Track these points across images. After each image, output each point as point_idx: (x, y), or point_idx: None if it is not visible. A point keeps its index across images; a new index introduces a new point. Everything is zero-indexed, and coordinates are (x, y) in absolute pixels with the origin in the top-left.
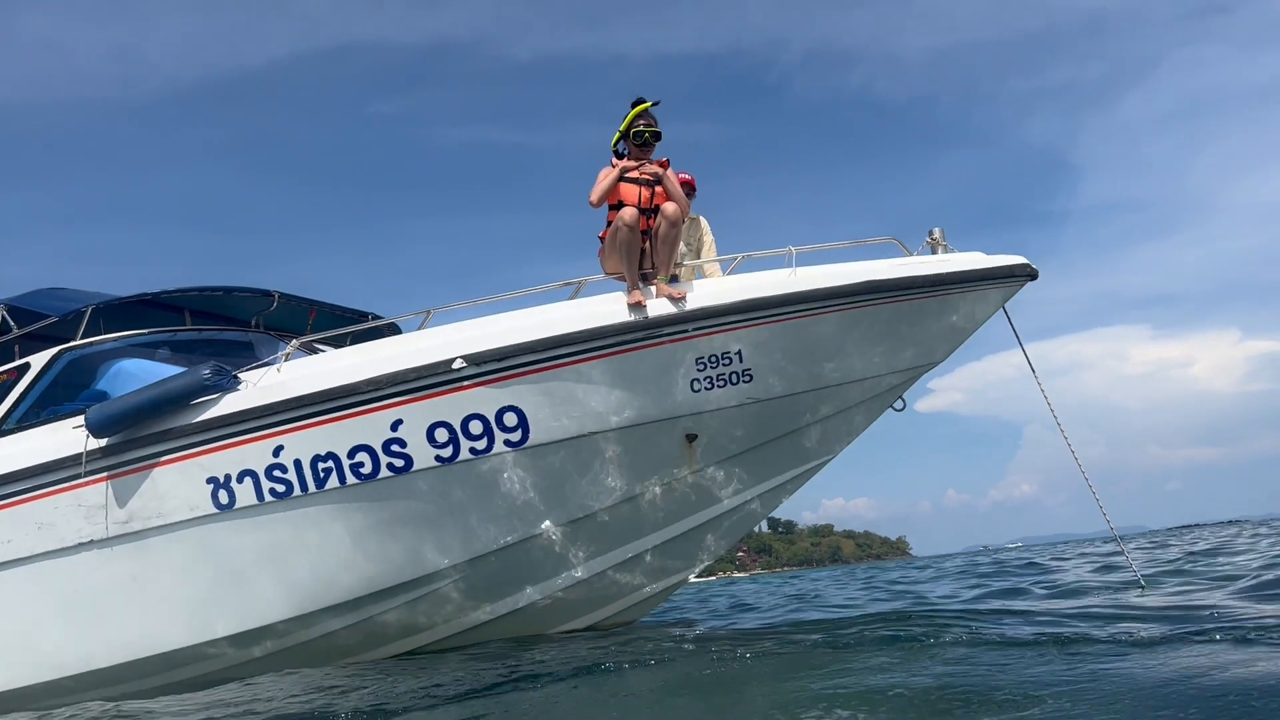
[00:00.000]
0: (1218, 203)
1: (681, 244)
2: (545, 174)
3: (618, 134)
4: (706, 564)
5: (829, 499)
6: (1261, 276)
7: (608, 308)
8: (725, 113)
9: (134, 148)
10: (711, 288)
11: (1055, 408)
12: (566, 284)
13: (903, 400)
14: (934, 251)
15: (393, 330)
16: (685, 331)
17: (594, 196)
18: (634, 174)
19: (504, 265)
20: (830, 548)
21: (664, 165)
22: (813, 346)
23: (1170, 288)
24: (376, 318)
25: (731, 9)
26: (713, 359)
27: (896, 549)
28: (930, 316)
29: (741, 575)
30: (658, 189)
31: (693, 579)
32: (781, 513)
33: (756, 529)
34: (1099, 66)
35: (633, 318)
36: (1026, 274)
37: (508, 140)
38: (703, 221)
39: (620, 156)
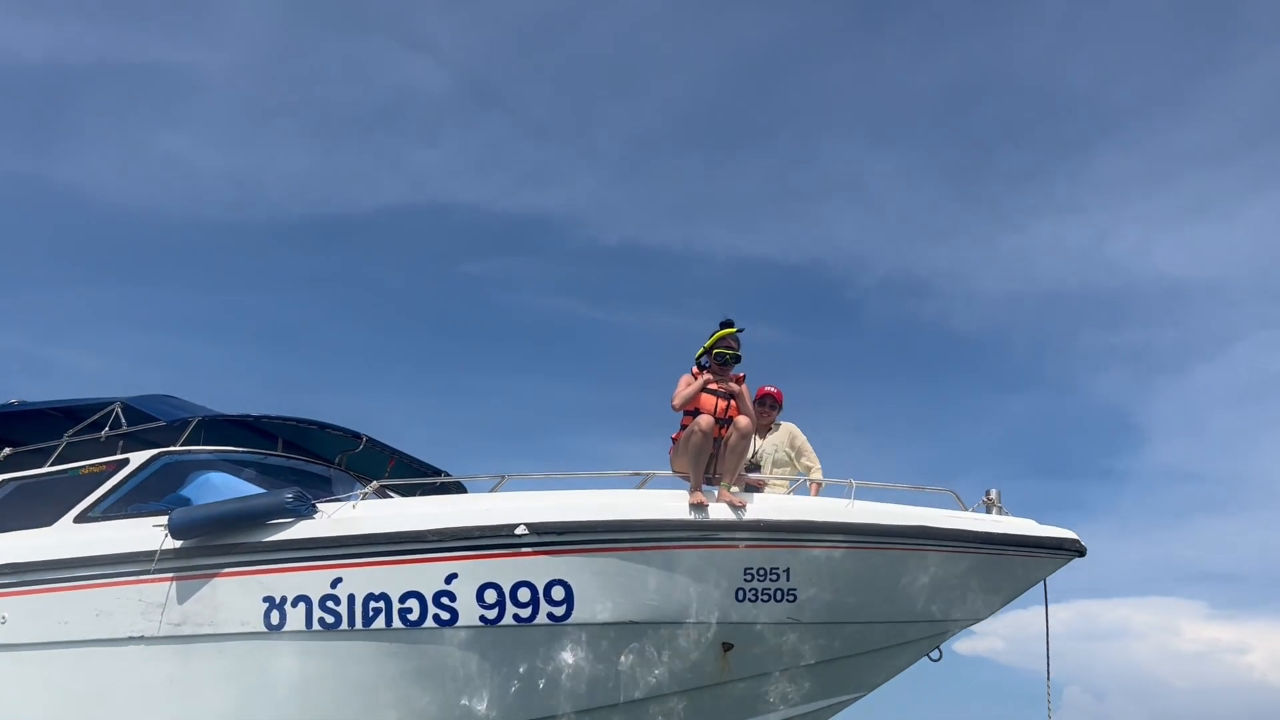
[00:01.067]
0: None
1: (774, 446)
2: (614, 351)
3: (702, 349)
4: None
5: None
6: None
7: (670, 503)
8: (798, 321)
9: (233, 269)
10: (771, 504)
11: (1095, 671)
12: (635, 474)
13: (939, 650)
14: (989, 511)
15: (458, 489)
16: (739, 540)
17: (676, 402)
18: (713, 386)
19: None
20: None
21: (740, 381)
22: (859, 580)
23: (1230, 567)
24: (449, 475)
25: (817, 226)
26: (761, 572)
27: None
28: (978, 573)
29: None
30: (733, 402)
31: None
32: None
33: None
34: (1174, 334)
35: (693, 517)
36: (1075, 550)
37: (583, 314)
38: (794, 429)
39: (701, 368)
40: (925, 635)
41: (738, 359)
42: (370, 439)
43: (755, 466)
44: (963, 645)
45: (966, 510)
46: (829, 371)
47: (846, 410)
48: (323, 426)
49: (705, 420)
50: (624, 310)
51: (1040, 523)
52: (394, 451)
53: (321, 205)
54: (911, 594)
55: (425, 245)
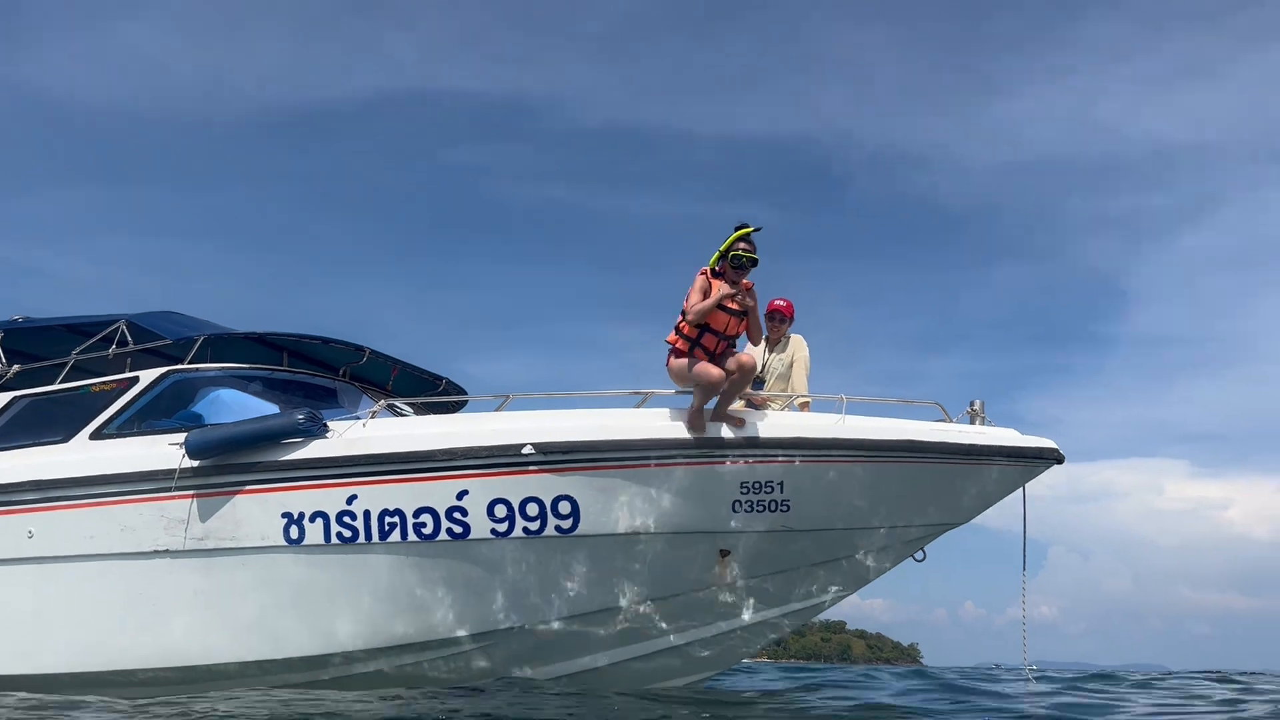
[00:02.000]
0: (1268, 349)
1: (781, 362)
2: (602, 236)
3: (717, 254)
4: (718, 670)
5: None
6: None
7: (669, 423)
8: (787, 198)
9: (211, 167)
10: (766, 421)
11: (1079, 533)
12: (635, 392)
13: (923, 552)
14: (973, 422)
15: (461, 402)
16: (736, 457)
17: (691, 315)
18: (728, 304)
19: (552, 317)
20: (840, 645)
21: (750, 288)
22: (848, 490)
23: (1213, 426)
24: (451, 383)
25: (805, 102)
26: (756, 485)
27: (908, 655)
28: (959, 481)
29: (749, 660)
30: (744, 322)
31: None
32: None
33: None
34: (1162, 198)
35: (690, 436)
36: (1054, 458)
37: (568, 199)
38: (799, 342)
39: (716, 276)
40: (911, 539)
41: (754, 262)
42: (373, 351)
43: (760, 382)
44: None
45: (951, 422)
46: (820, 248)
47: (840, 283)
48: (326, 340)
49: (716, 374)
50: (610, 194)
51: (1022, 432)
52: (396, 361)
53: (297, 96)
54: (898, 502)
55: (406, 134)
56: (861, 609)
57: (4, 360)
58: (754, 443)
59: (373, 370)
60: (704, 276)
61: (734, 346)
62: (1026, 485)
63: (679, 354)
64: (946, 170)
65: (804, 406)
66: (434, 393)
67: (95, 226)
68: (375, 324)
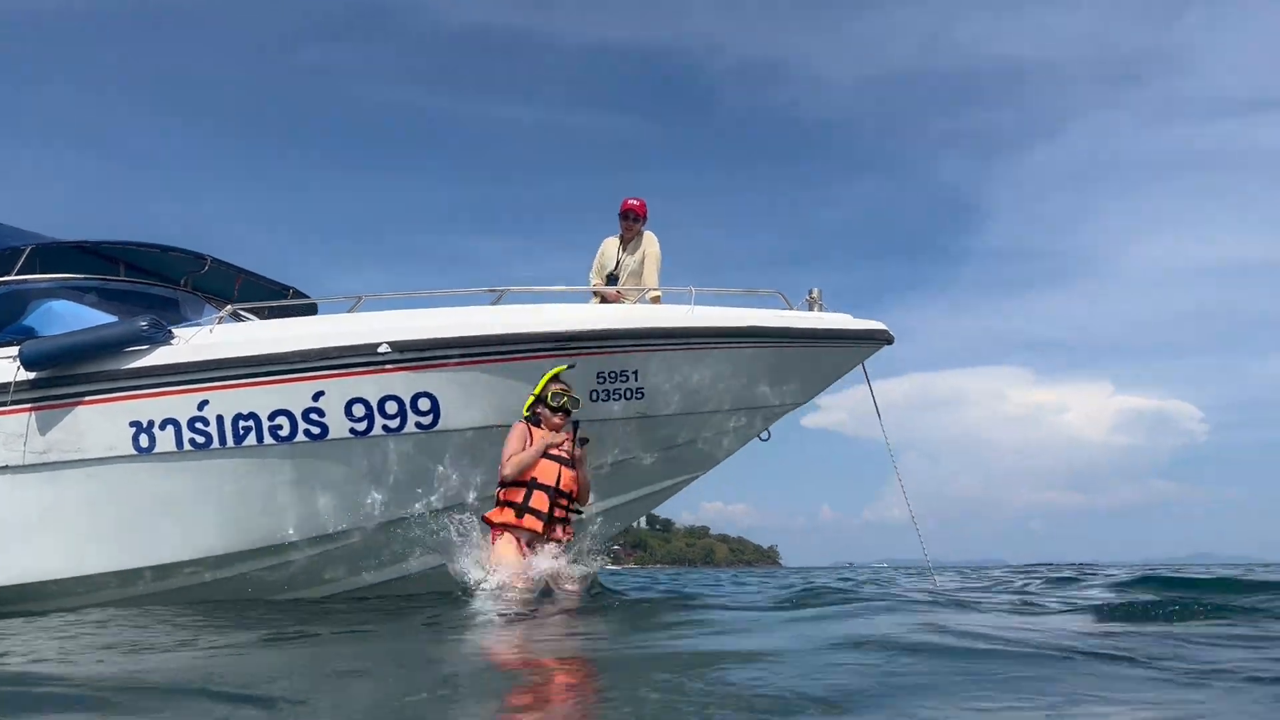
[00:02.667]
0: (1108, 263)
1: (634, 259)
2: (461, 143)
3: (531, 397)
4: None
5: (709, 502)
6: (1140, 336)
7: (524, 318)
8: (653, 109)
9: (30, 55)
10: (619, 313)
11: (930, 438)
12: (490, 290)
13: (768, 432)
14: (811, 309)
15: (309, 310)
16: (593, 348)
17: (508, 470)
18: (554, 451)
19: (411, 229)
20: (704, 550)
21: (582, 444)
22: (698, 375)
23: (1055, 336)
24: (299, 293)
25: (673, 7)
26: (612, 375)
27: (767, 557)
28: (800, 363)
29: (615, 568)
30: (576, 474)
31: None
32: (661, 510)
33: (635, 525)
34: (1013, 115)
35: (545, 330)
36: (884, 339)
37: (427, 104)
38: (651, 238)
39: (534, 425)
40: (755, 420)
41: (575, 403)
42: (215, 259)
43: (614, 278)
44: (810, 420)
45: (792, 309)
46: (685, 162)
47: (703, 200)
48: (165, 249)
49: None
50: (471, 99)
51: (855, 316)
52: (240, 271)
53: None
54: (744, 385)
55: (257, 29)
56: (724, 514)
57: None
58: (609, 334)
59: (215, 280)
60: (521, 426)
61: (570, 508)
62: (866, 364)
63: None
64: (808, 83)
65: (655, 300)
66: (281, 301)
67: None
68: (223, 236)
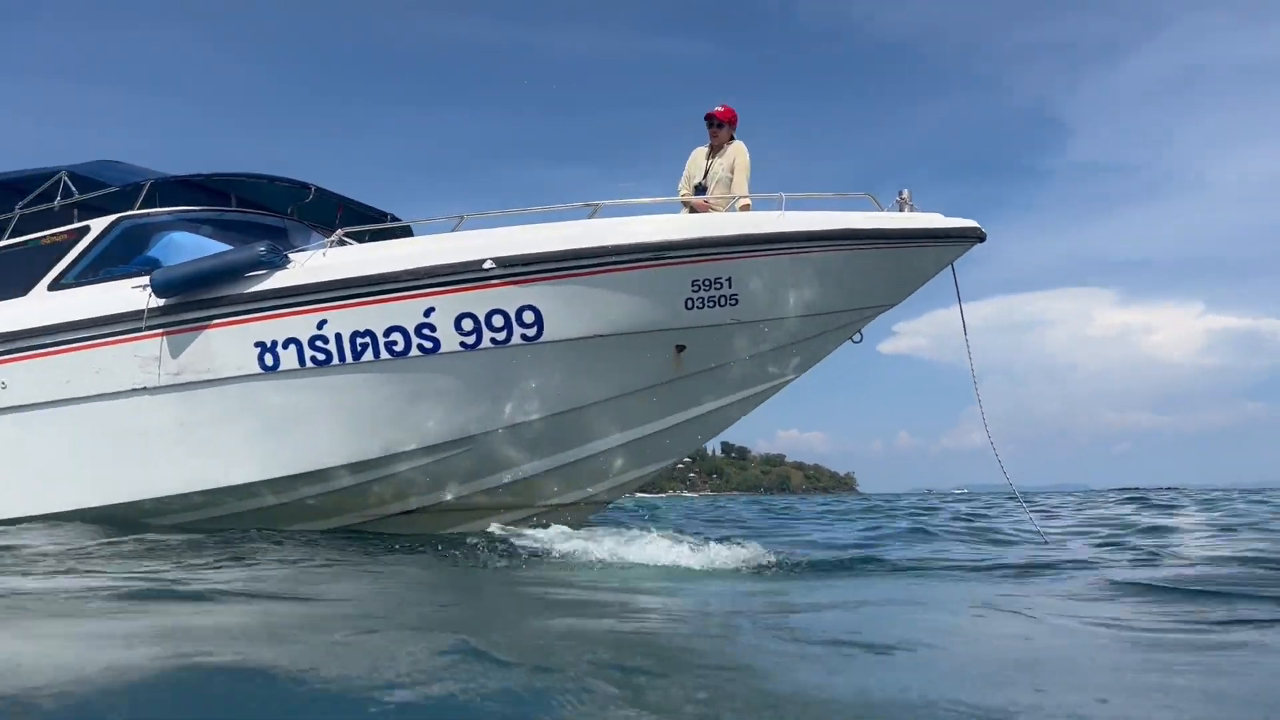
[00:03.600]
0: (1201, 177)
1: (722, 167)
2: (530, 75)
3: None
4: (674, 461)
5: (784, 429)
6: (1234, 253)
7: (621, 229)
8: (726, 31)
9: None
10: (710, 221)
11: (1012, 362)
12: (586, 205)
13: (860, 334)
14: (901, 209)
15: (406, 232)
16: (686, 257)
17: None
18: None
19: (484, 164)
20: (780, 477)
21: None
22: (790, 280)
23: (1143, 255)
24: (395, 218)
25: None
26: (706, 283)
27: (844, 484)
28: (893, 264)
29: (691, 495)
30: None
31: (640, 494)
32: (736, 438)
33: (710, 452)
34: (1103, 23)
35: (642, 240)
36: (976, 235)
37: (499, 37)
38: (740, 147)
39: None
40: (847, 322)
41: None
42: (318, 188)
43: (702, 188)
44: (887, 346)
45: (882, 210)
46: (759, 85)
47: (777, 125)
48: (272, 180)
49: None
50: (542, 30)
51: (946, 216)
52: (341, 199)
53: None
54: (836, 287)
55: None
56: (800, 441)
57: None
58: (701, 242)
59: (318, 208)
60: None
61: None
62: (955, 265)
63: None
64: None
65: (744, 207)
66: (384, 229)
67: None
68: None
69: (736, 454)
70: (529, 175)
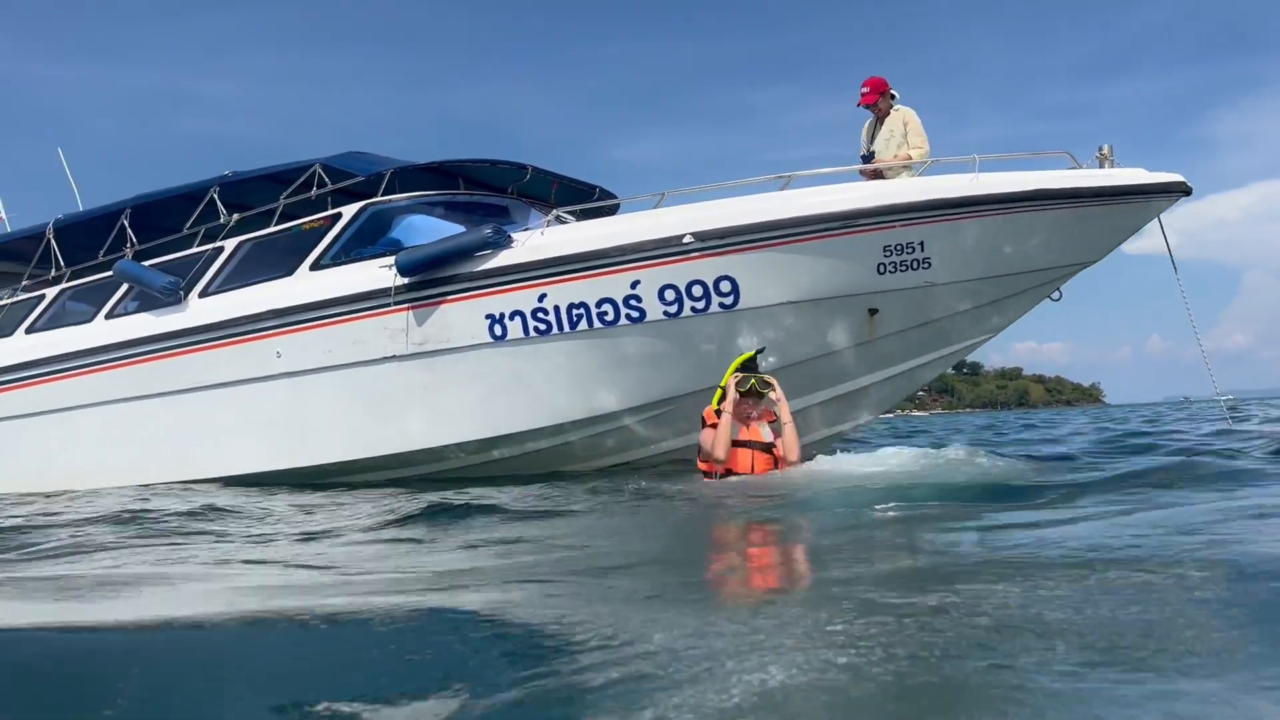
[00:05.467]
0: None
1: (891, 132)
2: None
3: (719, 390)
4: (874, 415)
5: (1020, 342)
6: None
7: (811, 200)
8: None
9: None
10: (901, 187)
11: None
12: (778, 177)
13: (1059, 291)
14: (1101, 166)
15: (614, 209)
16: (877, 223)
17: (719, 454)
18: (742, 436)
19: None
20: (1017, 391)
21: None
22: (985, 242)
23: None
24: (605, 191)
25: None
26: (898, 248)
27: (1089, 395)
28: (1092, 222)
29: (920, 414)
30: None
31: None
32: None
33: None
34: None
35: (834, 210)
36: (1181, 190)
37: None
38: (908, 113)
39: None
40: (1045, 281)
41: (766, 384)
42: (535, 168)
43: (870, 155)
44: (1134, 246)
45: (1081, 168)
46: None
47: (993, 15)
48: (494, 163)
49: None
50: None
51: (1149, 169)
52: (555, 175)
53: None
54: (1033, 247)
55: None
56: (1038, 353)
57: (225, 211)
58: (892, 209)
59: (535, 186)
60: (708, 431)
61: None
62: (1161, 218)
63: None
64: None
65: (907, 159)
66: (589, 200)
67: (238, 46)
68: (515, 117)
69: (969, 370)
70: (727, 99)
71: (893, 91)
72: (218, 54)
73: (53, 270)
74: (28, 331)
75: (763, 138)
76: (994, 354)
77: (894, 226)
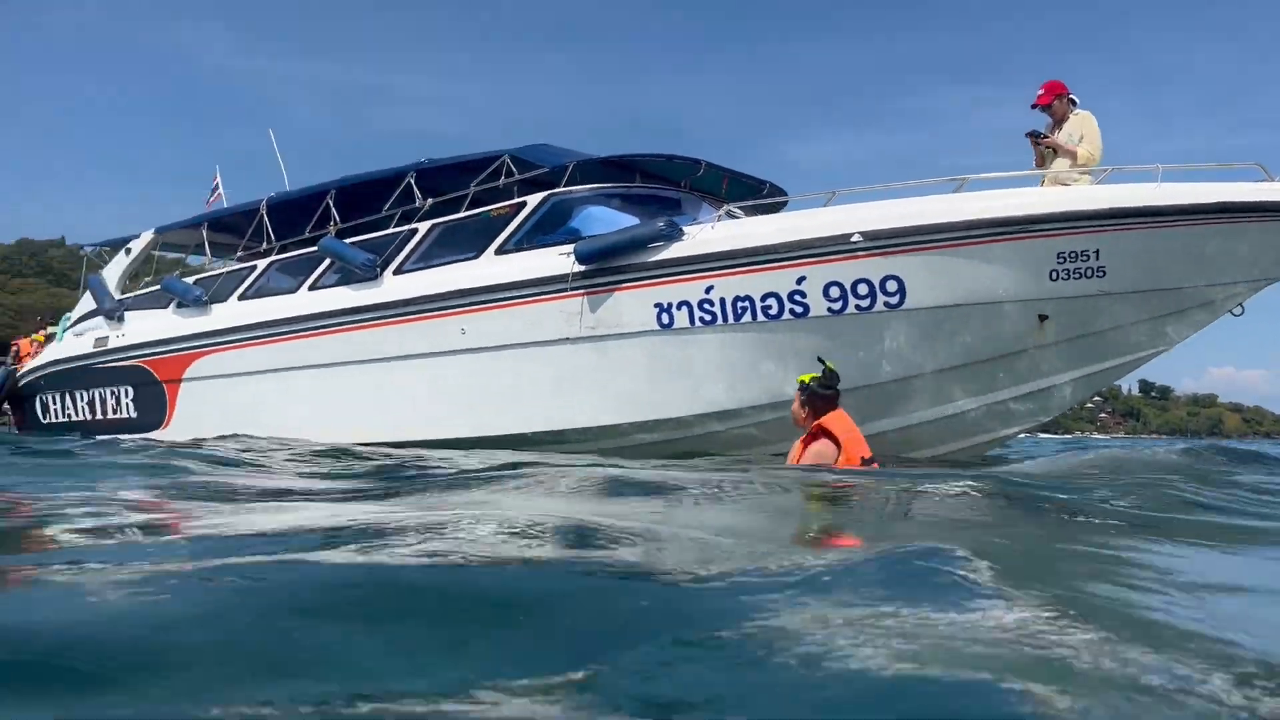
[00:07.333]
0: None
1: (1069, 138)
2: None
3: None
4: (1036, 424)
5: (1217, 367)
6: None
7: (987, 204)
8: None
9: None
10: (1078, 194)
11: None
12: (951, 179)
13: (1242, 306)
14: None
15: (780, 206)
16: (1052, 230)
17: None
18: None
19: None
20: (1210, 420)
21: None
22: (1163, 253)
23: None
24: (775, 187)
25: None
26: (1072, 255)
27: None
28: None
29: (1101, 437)
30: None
31: (1041, 435)
32: (1157, 376)
33: (1126, 390)
34: None
35: (1007, 215)
36: None
37: None
38: (1086, 117)
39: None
40: (1226, 296)
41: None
42: (708, 163)
43: (1038, 132)
44: None
45: (1273, 180)
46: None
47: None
48: (669, 157)
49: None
50: None
51: None
52: (727, 171)
53: None
54: (1214, 261)
55: None
56: (1237, 380)
57: (419, 195)
58: (1068, 216)
59: (708, 181)
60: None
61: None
62: None
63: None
64: None
65: (1070, 156)
66: (759, 196)
67: (430, 42)
68: (692, 114)
69: (1157, 394)
70: (912, 99)
71: (1071, 96)
72: (412, 49)
73: (264, 244)
74: (240, 298)
75: (947, 139)
76: (1185, 378)
77: (1069, 233)
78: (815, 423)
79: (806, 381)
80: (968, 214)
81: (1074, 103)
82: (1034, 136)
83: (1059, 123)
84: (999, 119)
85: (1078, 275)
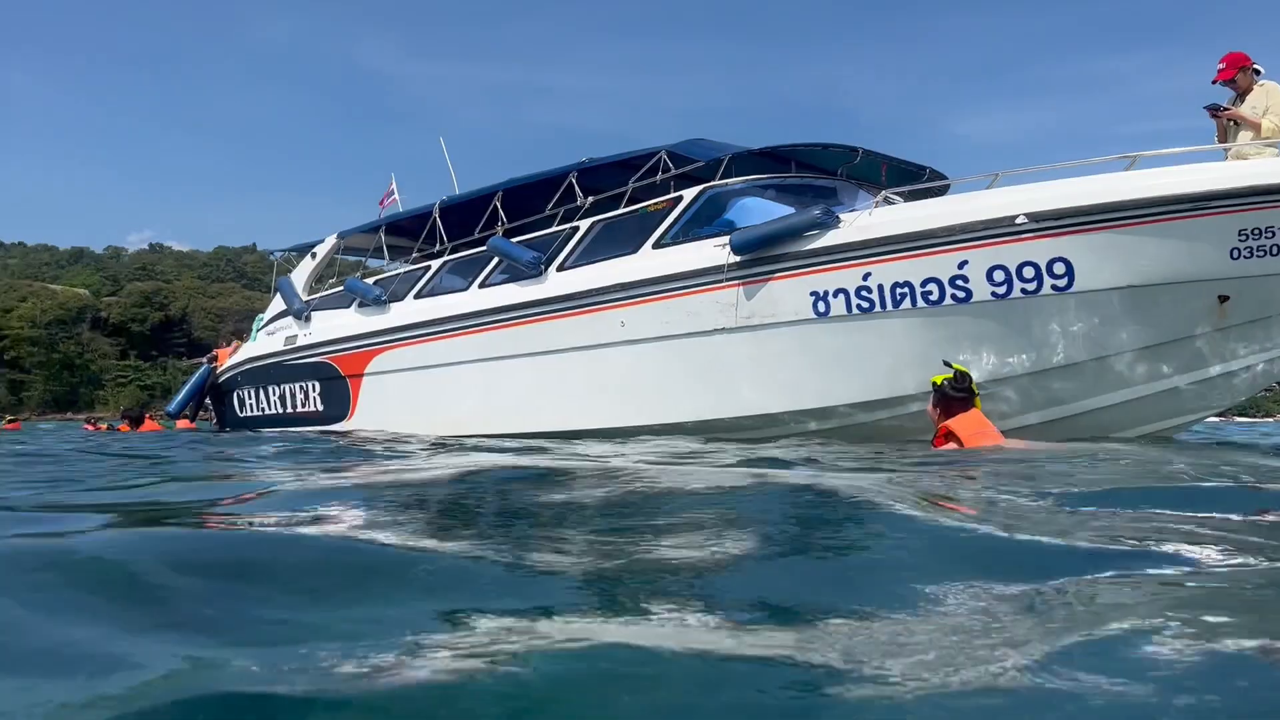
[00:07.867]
0: None
1: (1254, 111)
2: None
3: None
4: (1217, 408)
5: None
6: None
7: (1159, 181)
8: None
9: None
10: (1264, 168)
11: None
12: (1123, 156)
13: None
14: None
15: (943, 189)
16: (1233, 205)
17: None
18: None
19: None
20: None
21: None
22: None
23: None
24: (935, 172)
25: None
26: (1256, 232)
27: None
28: None
29: (1268, 420)
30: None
31: (1239, 419)
32: None
33: None
34: None
35: (1183, 191)
36: None
37: None
38: (1272, 88)
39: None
40: None
41: (966, 377)
42: (865, 150)
43: (1217, 106)
44: None
45: None
46: None
47: None
48: (825, 146)
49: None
50: None
51: None
52: (885, 157)
53: None
54: None
55: None
56: None
57: (580, 194)
58: (1253, 191)
59: (865, 168)
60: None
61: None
62: None
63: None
64: None
65: (1257, 128)
66: (919, 181)
67: (581, 38)
68: (849, 96)
69: None
70: (1087, 66)
71: (1256, 66)
72: (566, 47)
73: (437, 245)
74: (416, 297)
75: (1126, 107)
76: None
77: (1252, 209)
78: (943, 424)
79: (939, 383)
80: (1142, 191)
81: (1258, 73)
82: (1214, 109)
83: (1242, 96)
84: (1180, 84)
85: (1262, 253)
